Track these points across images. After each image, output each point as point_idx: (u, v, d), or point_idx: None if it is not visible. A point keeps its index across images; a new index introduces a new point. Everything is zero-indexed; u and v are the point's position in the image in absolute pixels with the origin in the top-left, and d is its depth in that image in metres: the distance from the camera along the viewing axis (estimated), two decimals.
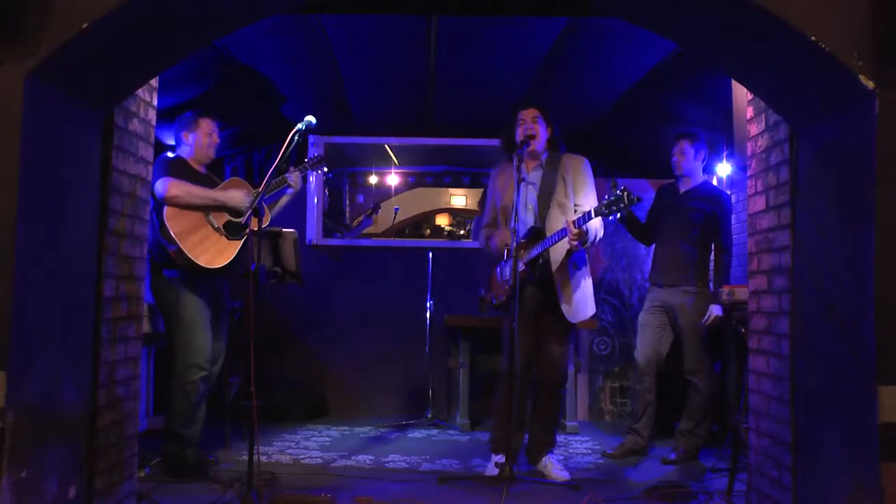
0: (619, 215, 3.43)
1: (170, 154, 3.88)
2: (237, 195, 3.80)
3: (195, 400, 3.74)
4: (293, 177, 3.99)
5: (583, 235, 3.52)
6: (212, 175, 4.02)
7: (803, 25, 2.19)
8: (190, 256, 3.58)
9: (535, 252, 3.67)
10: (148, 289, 3.71)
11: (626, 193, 3.34)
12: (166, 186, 3.66)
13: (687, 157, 4.38)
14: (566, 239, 3.55)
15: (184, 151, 3.90)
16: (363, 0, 3.52)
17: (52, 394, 2.40)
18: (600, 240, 3.80)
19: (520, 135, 3.75)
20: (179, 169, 3.80)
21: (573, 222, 3.50)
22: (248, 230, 3.73)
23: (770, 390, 2.88)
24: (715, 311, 4.20)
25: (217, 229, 3.74)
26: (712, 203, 4.34)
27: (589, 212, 3.48)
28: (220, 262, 3.70)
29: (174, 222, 3.62)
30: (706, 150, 4.45)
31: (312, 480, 3.69)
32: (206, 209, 3.73)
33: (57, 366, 2.43)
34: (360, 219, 7.69)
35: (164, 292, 3.74)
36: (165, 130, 5.07)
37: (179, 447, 3.71)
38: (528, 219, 3.76)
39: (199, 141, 3.89)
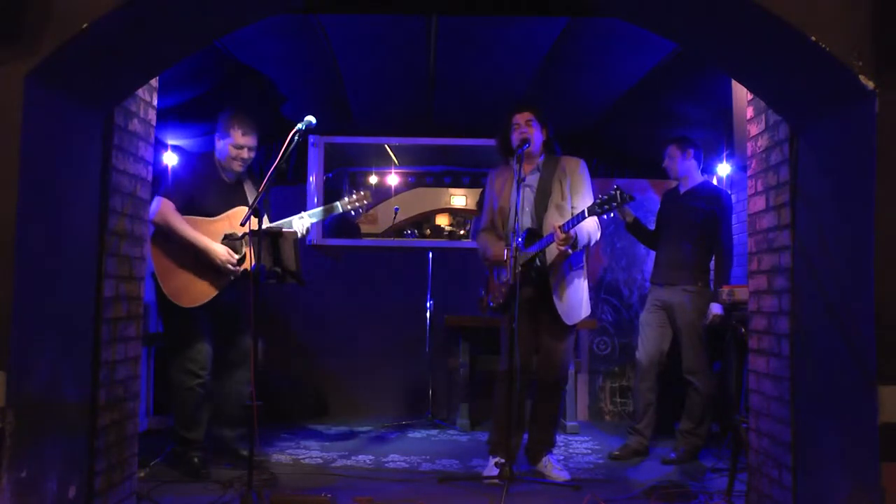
0: (612, 214, 3.43)
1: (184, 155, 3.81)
2: (221, 253, 3.61)
3: (193, 405, 3.74)
4: (302, 222, 3.77)
5: (570, 240, 3.51)
6: (244, 184, 3.83)
7: (803, 25, 2.19)
8: (167, 296, 3.59)
9: (529, 253, 3.66)
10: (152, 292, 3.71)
11: (618, 192, 3.36)
12: (157, 208, 3.57)
13: (675, 160, 4.41)
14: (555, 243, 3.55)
15: (217, 152, 3.80)
16: (363, 0, 3.52)
17: (52, 394, 2.41)
18: (596, 242, 3.80)
19: (515, 139, 3.75)
20: (195, 174, 3.68)
21: (560, 227, 3.50)
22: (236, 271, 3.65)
23: (770, 390, 2.88)
24: (715, 309, 4.20)
25: (200, 269, 3.64)
26: (711, 202, 4.34)
27: (579, 214, 3.49)
28: (202, 300, 3.64)
29: (158, 253, 3.59)
30: (695, 149, 4.45)
31: (312, 480, 3.69)
32: (192, 247, 3.61)
33: (57, 366, 2.43)
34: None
35: (162, 301, 3.71)
36: (165, 130, 5.07)
37: (184, 448, 3.73)
38: (524, 221, 3.75)
39: (225, 152, 3.75)
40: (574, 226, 3.50)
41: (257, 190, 3.80)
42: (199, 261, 3.63)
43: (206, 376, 3.75)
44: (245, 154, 3.76)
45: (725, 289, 4.19)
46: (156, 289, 3.70)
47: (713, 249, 4.34)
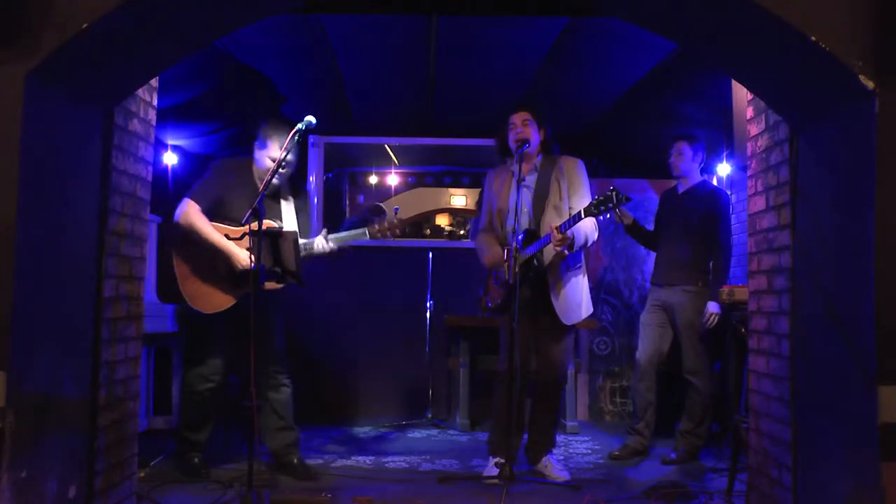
0: (609, 215, 3.43)
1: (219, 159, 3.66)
2: (243, 259, 3.49)
3: (201, 408, 3.75)
4: (326, 244, 3.62)
5: (566, 240, 3.51)
6: (282, 198, 3.72)
7: (803, 25, 2.19)
8: (185, 298, 3.56)
9: (527, 253, 3.66)
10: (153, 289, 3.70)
11: (614, 192, 3.35)
12: (183, 209, 3.54)
13: (685, 159, 4.39)
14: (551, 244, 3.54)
15: (256, 160, 3.70)
16: (363, 0, 3.52)
17: (52, 394, 2.40)
18: (594, 242, 3.79)
19: (512, 139, 3.75)
20: (228, 179, 3.61)
21: (556, 228, 3.50)
22: (247, 284, 3.42)
23: (770, 390, 2.88)
24: (712, 308, 4.20)
25: (221, 275, 3.59)
26: (708, 201, 4.34)
27: (575, 215, 3.49)
28: (222, 306, 3.57)
29: (179, 257, 3.55)
30: (704, 152, 4.45)
31: (312, 480, 3.68)
32: (213, 251, 3.55)
33: (57, 366, 2.43)
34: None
35: (181, 304, 3.69)
36: (165, 130, 5.07)
37: (185, 448, 3.74)
38: (523, 221, 3.74)
39: (262, 162, 3.65)
40: (571, 227, 3.50)
41: (301, 206, 3.78)
42: (220, 266, 3.57)
43: (217, 381, 3.73)
44: (280, 168, 3.59)
45: (725, 289, 4.19)
46: (175, 292, 3.66)
47: (712, 249, 4.34)
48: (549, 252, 3.65)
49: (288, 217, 3.74)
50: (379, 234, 3.67)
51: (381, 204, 3.64)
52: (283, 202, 3.75)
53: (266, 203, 3.68)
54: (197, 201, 3.60)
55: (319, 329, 5.85)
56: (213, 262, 3.58)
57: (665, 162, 4.52)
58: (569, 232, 3.50)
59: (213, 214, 3.62)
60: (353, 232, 3.68)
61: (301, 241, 3.59)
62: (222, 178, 3.69)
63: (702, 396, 4.25)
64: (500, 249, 3.79)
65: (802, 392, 2.61)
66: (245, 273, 3.47)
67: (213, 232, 3.56)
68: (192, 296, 3.58)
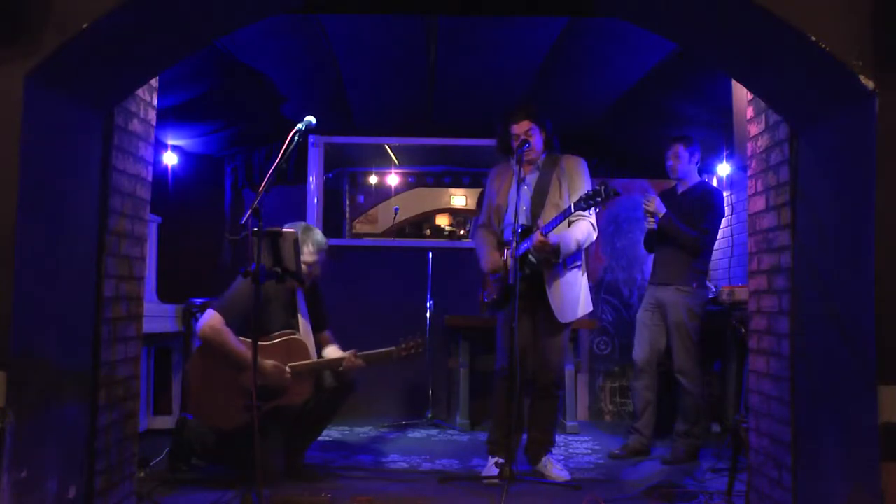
0: (598, 209, 3.43)
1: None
2: (268, 372, 3.44)
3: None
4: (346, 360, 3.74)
5: (546, 245, 3.50)
6: (312, 292, 3.85)
7: (803, 25, 2.20)
8: (196, 413, 3.55)
9: (521, 249, 3.65)
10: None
11: (603, 186, 3.36)
12: (206, 321, 3.46)
13: (682, 161, 4.39)
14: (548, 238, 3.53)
15: None
16: (363, 0, 3.52)
17: (52, 394, 2.41)
18: (593, 242, 3.79)
19: (516, 146, 3.74)
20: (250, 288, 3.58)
21: (540, 231, 3.50)
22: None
23: (770, 390, 2.88)
24: (659, 209, 4.26)
25: (242, 389, 3.46)
26: (702, 198, 4.34)
27: (566, 209, 3.49)
28: (231, 423, 3.48)
29: (198, 372, 3.50)
30: (700, 152, 4.46)
31: (312, 480, 3.68)
32: (238, 367, 3.46)
33: (57, 366, 2.43)
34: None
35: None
36: (165, 130, 5.07)
37: (184, 449, 3.72)
38: (521, 220, 3.74)
39: None
40: (558, 224, 3.49)
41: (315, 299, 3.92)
42: (245, 382, 3.41)
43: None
44: (314, 271, 3.75)
45: (725, 288, 4.19)
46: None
47: (711, 252, 4.34)
48: None
49: (303, 309, 3.83)
50: (404, 353, 3.88)
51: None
52: (297, 294, 3.80)
53: (290, 302, 3.75)
54: (223, 315, 3.51)
55: None
56: (237, 377, 3.49)
57: (664, 162, 4.53)
58: (552, 239, 3.49)
59: (243, 328, 3.54)
60: (381, 351, 3.87)
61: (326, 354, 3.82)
62: (252, 291, 3.64)
63: (692, 397, 4.23)
64: (498, 254, 3.79)
65: (802, 392, 2.61)
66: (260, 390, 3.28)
67: (239, 349, 3.46)
68: (206, 412, 3.54)
